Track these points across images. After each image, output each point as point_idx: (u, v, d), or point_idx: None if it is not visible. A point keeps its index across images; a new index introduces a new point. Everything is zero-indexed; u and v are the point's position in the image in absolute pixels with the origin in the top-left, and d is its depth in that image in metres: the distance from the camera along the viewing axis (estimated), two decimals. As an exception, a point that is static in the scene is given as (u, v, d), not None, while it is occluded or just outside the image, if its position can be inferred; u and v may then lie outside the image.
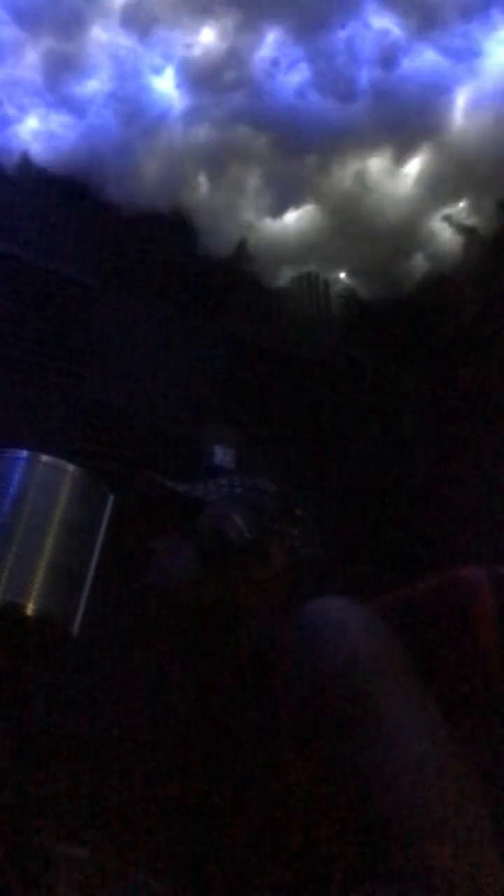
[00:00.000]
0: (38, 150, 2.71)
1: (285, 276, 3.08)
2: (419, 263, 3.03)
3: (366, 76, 2.81)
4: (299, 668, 0.75)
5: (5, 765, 1.77)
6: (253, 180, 2.96)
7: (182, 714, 0.95)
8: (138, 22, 2.74)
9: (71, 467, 1.46)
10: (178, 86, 2.83)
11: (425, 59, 2.84)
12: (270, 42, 2.83)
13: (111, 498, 1.48)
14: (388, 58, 2.79)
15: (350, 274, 3.20)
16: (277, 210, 2.97)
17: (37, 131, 2.73)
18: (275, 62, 2.81)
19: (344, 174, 2.94)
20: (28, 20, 2.68)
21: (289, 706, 0.75)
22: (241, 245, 2.96)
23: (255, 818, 0.79)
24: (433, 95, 2.84)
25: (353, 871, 0.65)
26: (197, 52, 2.78)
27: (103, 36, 2.77)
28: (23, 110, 2.73)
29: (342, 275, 3.21)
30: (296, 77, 2.84)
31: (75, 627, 1.39)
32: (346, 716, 0.69)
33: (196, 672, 0.92)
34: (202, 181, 2.91)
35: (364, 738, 0.68)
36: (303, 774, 0.71)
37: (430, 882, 0.59)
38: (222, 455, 2.54)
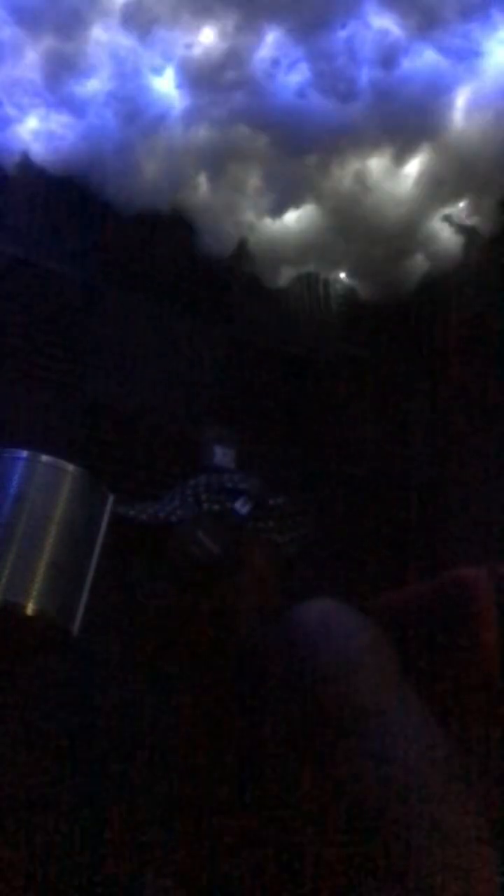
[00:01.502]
0: (38, 150, 2.71)
1: (285, 276, 3.08)
2: (419, 263, 3.03)
3: (366, 76, 2.81)
4: (290, 673, 0.75)
5: (5, 765, 1.77)
6: (253, 180, 2.96)
7: (179, 717, 0.95)
8: (138, 22, 2.73)
9: (71, 467, 1.45)
10: (178, 86, 2.83)
11: (425, 59, 2.84)
12: (270, 42, 2.83)
13: (111, 498, 1.48)
14: (388, 58, 2.78)
15: (350, 274, 3.19)
16: (277, 210, 2.97)
17: (37, 131, 2.72)
18: (275, 62, 2.81)
19: (344, 174, 2.94)
20: (28, 20, 2.67)
21: (281, 710, 0.75)
22: (241, 245, 2.96)
23: (251, 820, 0.79)
24: (433, 95, 2.84)
25: (351, 871, 0.65)
26: (197, 52, 2.78)
27: (103, 36, 2.76)
28: (23, 110, 2.72)
29: (342, 275, 3.21)
30: (296, 77, 2.84)
31: (75, 627, 1.38)
32: (338, 719, 0.69)
33: (191, 677, 0.92)
34: (202, 181, 2.90)
35: (356, 741, 0.68)
36: (298, 777, 0.71)
37: (425, 882, 0.60)
38: (222, 455, 2.54)
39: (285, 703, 0.75)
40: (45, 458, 1.44)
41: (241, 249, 2.96)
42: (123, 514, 0.96)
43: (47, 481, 1.41)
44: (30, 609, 1.29)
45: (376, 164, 2.98)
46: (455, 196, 3.01)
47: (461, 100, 2.88)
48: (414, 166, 2.99)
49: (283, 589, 0.90)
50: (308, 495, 2.63)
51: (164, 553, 0.92)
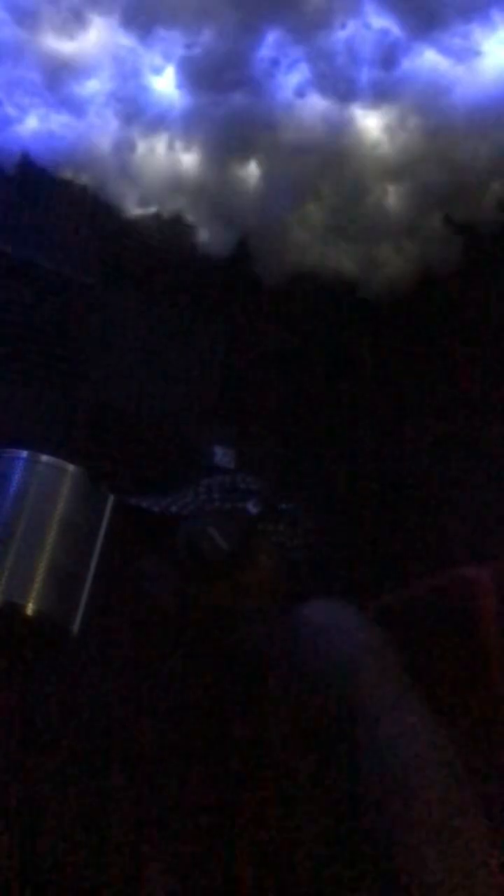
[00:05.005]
0: (38, 150, 2.71)
1: (285, 276, 3.07)
2: (420, 263, 3.03)
3: (366, 76, 2.81)
4: (294, 672, 0.76)
5: (5, 765, 1.76)
6: (253, 180, 2.96)
7: (181, 716, 0.95)
8: (138, 22, 2.73)
9: (71, 467, 1.45)
10: (178, 86, 2.83)
11: (425, 59, 2.84)
12: (270, 42, 2.83)
13: (111, 498, 1.48)
14: (388, 58, 2.78)
15: (350, 274, 3.19)
16: (277, 210, 2.96)
17: (37, 131, 2.73)
18: (275, 62, 2.81)
19: (344, 174, 2.94)
20: (28, 20, 2.67)
21: (284, 709, 0.75)
22: (241, 245, 2.96)
23: (252, 820, 0.79)
24: (433, 95, 2.84)
25: (353, 871, 0.65)
26: (197, 52, 2.78)
27: (103, 36, 2.76)
28: (23, 110, 2.72)
29: (342, 275, 3.20)
30: (296, 77, 2.84)
31: (75, 627, 1.38)
32: (340, 719, 0.69)
33: (193, 676, 0.92)
34: (202, 181, 2.90)
35: (357, 741, 0.68)
36: (299, 776, 0.71)
37: (428, 883, 0.59)
38: (222, 455, 2.54)
39: (287, 702, 0.75)
40: (45, 458, 1.44)
41: (241, 249, 2.96)
42: (136, 504, 0.96)
43: (47, 481, 1.41)
44: (30, 609, 1.29)
45: (376, 164, 2.98)
46: (455, 196, 3.00)
47: (461, 100, 2.88)
48: (414, 166, 2.99)
49: (286, 592, 0.90)
50: (308, 494, 2.63)
51: (172, 546, 0.92)
